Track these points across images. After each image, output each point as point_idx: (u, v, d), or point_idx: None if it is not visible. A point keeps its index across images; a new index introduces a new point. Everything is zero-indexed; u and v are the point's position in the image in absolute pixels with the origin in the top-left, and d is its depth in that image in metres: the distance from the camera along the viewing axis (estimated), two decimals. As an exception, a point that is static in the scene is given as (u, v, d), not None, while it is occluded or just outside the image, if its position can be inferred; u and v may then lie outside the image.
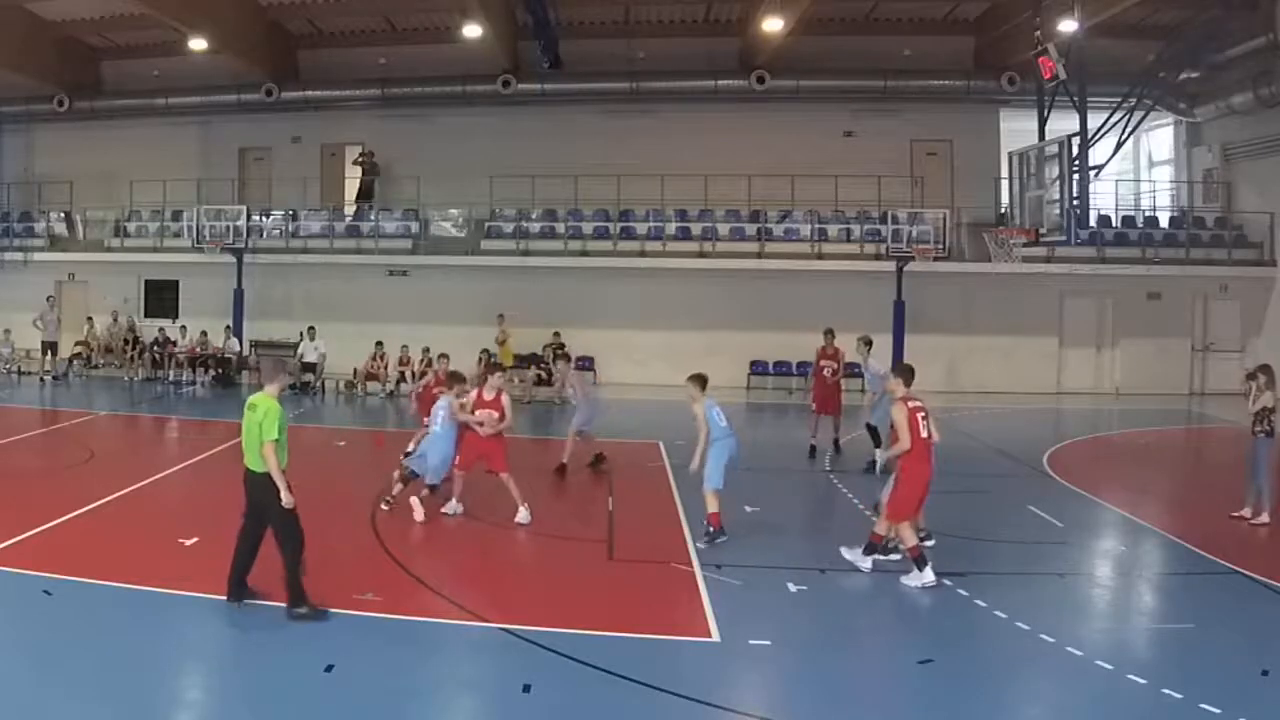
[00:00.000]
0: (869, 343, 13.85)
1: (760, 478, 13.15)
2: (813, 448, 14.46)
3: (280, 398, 7.58)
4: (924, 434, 8.65)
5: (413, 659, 6.76)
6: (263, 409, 7.37)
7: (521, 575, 9.09)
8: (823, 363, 14.76)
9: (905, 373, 9.09)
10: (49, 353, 22.38)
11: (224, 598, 7.57)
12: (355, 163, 25.38)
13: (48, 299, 23.18)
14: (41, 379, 21.94)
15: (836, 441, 14.53)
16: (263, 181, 25.89)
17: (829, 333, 15.07)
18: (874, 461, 13.01)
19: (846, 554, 9.03)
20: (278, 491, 7.30)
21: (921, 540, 8.88)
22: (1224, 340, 22.90)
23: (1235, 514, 10.84)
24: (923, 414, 8.71)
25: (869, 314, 21.22)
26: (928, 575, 8.43)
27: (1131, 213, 24.52)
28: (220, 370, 22.18)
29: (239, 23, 22.54)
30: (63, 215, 25.92)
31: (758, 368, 23.04)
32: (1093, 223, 20.86)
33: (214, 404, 20.24)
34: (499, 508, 10.98)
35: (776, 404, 21.45)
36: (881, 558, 8.99)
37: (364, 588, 7.95)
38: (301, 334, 21.90)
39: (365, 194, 25.25)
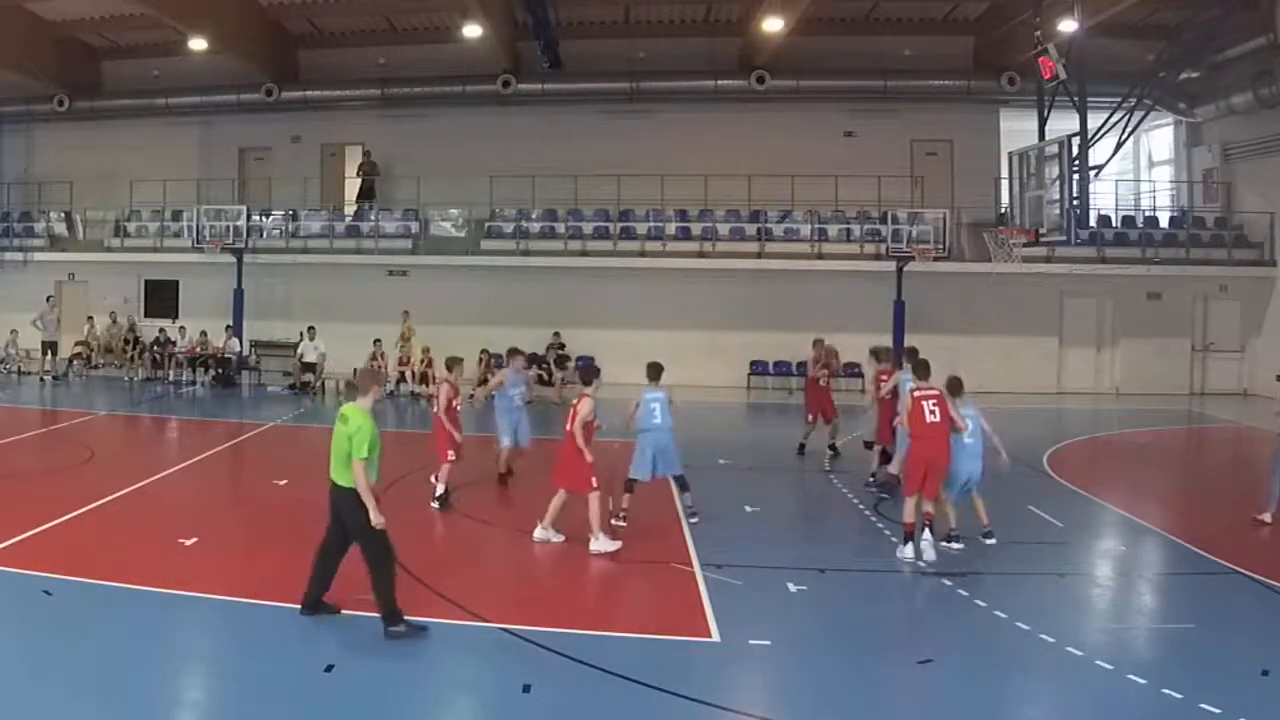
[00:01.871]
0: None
1: (760, 478, 13.17)
2: (801, 445, 14.48)
3: (375, 410, 7.29)
4: (928, 419, 9.30)
5: (413, 659, 6.75)
6: (354, 423, 7.04)
7: (521, 575, 9.09)
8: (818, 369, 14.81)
9: (917, 366, 9.99)
10: (49, 353, 22.39)
11: (230, 598, 7.57)
12: (357, 174, 25.39)
13: (48, 299, 23.20)
14: (42, 379, 21.93)
15: (833, 445, 14.55)
16: (263, 181, 25.87)
17: (818, 342, 15.07)
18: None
19: (901, 553, 9.27)
20: (366, 510, 7.00)
21: (951, 539, 9.56)
22: (1224, 340, 22.91)
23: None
24: (932, 401, 9.35)
25: (869, 314, 21.27)
26: (907, 551, 9.14)
27: (1131, 213, 24.51)
28: (220, 370, 22.18)
29: (239, 23, 22.55)
30: (63, 215, 25.92)
31: (758, 368, 23.03)
32: (1093, 223, 20.87)
33: (214, 404, 20.26)
34: (500, 509, 10.99)
35: (777, 404, 21.44)
36: (942, 543, 9.43)
37: (364, 588, 7.93)
38: (301, 334, 21.89)
39: (366, 194, 25.27)
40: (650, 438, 10.21)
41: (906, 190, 23.62)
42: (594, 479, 9.31)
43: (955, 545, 9.52)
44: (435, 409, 11.27)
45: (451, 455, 10.79)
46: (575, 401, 9.68)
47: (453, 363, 11.55)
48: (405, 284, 23.78)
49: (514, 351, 12.59)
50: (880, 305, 21.81)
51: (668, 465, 10.28)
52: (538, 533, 9.55)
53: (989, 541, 9.68)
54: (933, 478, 9.26)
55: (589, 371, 10.42)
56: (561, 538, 9.49)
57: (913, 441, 9.56)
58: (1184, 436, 18.96)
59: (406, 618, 7.06)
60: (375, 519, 6.97)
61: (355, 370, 21.27)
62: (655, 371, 10.54)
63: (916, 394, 9.50)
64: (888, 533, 10.17)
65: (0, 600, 7.67)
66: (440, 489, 10.84)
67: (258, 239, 24.11)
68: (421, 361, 20.86)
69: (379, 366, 21.17)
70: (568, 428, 9.54)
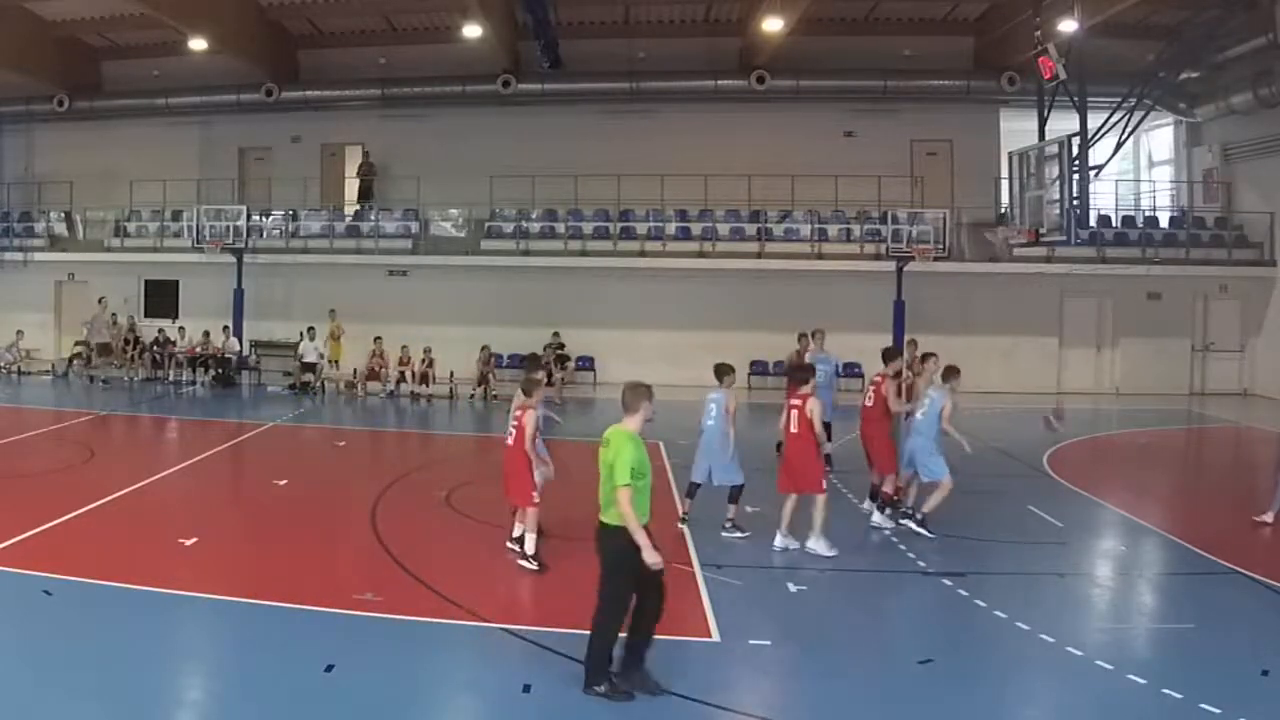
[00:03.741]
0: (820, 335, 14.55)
1: (761, 478, 13.15)
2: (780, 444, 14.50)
3: (642, 431, 6.41)
4: (866, 402, 10.70)
5: (413, 659, 6.75)
6: (615, 446, 6.21)
7: (522, 575, 9.07)
8: None
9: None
10: (102, 354, 22.36)
11: (230, 598, 7.51)
12: (357, 174, 25.45)
13: (99, 300, 23.15)
14: (94, 379, 21.90)
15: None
16: (263, 181, 25.87)
17: (803, 337, 15.18)
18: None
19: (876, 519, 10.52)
20: (619, 547, 6.09)
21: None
22: (1224, 340, 22.92)
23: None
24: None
25: (869, 314, 21.27)
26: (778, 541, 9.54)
27: (1131, 213, 24.52)
28: (220, 370, 22.18)
29: (239, 23, 22.54)
30: (63, 215, 25.94)
31: (758, 368, 23.01)
32: (1093, 223, 20.87)
33: (214, 404, 20.27)
34: (501, 510, 10.95)
35: (777, 404, 21.35)
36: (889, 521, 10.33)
37: (364, 588, 7.95)
38: (301, 334, 21.89)
39: (364, 194, 25.32)
40: (702, 439, 10.18)
41: (906, 190, 23.63)
42: (824, 482, 9.41)
43: (907, 523, 10.17)
44: (506, 435, 9.18)
45: (536, 498, 8.88)
46: (799, 403, 9.49)
47: (532, 386, 9.17)
48: (405, 284, 23.80)
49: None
50: (880, 305, 21.81)
51: (722, 472, 10.02)
52: (778, 541, 9.43)
53: (904, 521, 10.14)
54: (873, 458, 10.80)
55: (806, 369, 10.16)
56: (798, 544, 9.39)
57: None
58: (1184, 437, 18.95)
59: (612, 681, 6.16)
60: (649, 558, 6.01)
61: (354, 370, 21.46)
62: (719, 373, 10.43)
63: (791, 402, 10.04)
64: (887, 532, 10.18)
65: (0, 600, 7.68)
66: (530, 542, 8.81)
67: (258, 239, 24.11)
68: (422, 361, 20.88)
69: (379, 366, 21.21)
70: (793, 430, 9.47)
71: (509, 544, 9.14)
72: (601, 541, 6.25)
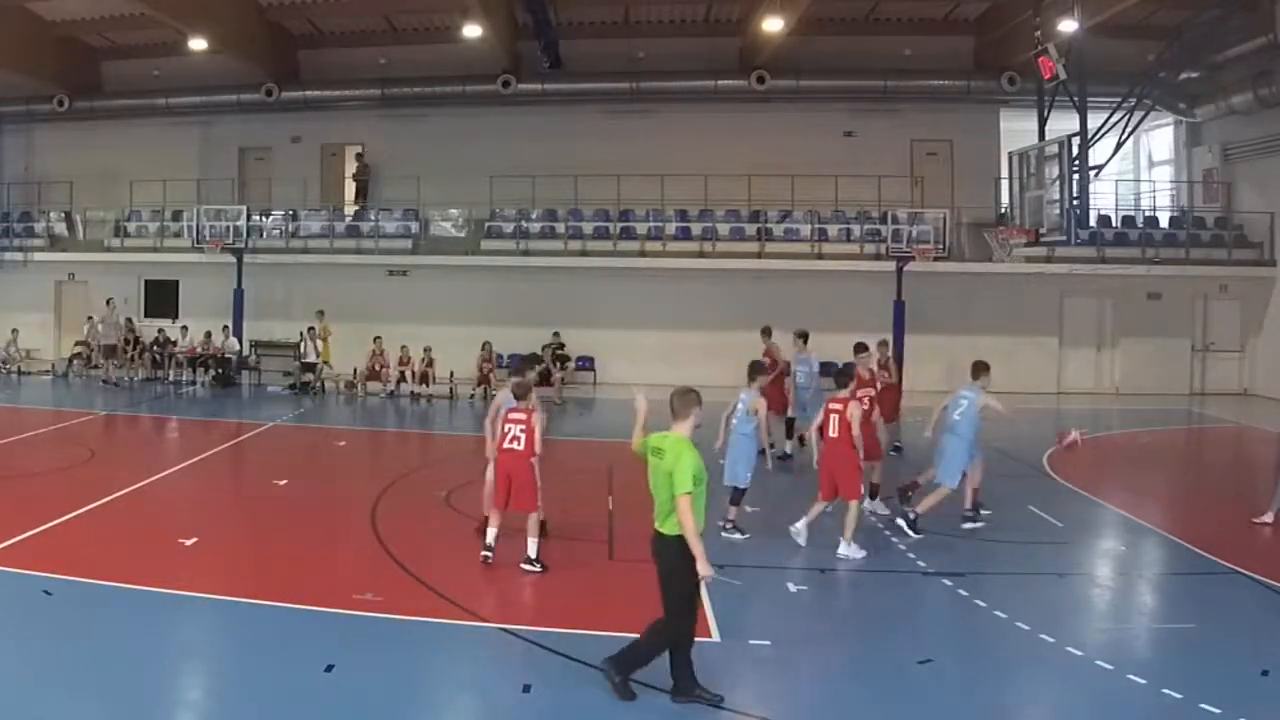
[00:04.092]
0: (804, 336, 14.46)
1: (760, 478, 13.15)
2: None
3: (693, 437, 6.23)
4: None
5: (413, 659, 6.75)
6: (672, 455, 6.01)
7: (521, 575, 9.08)
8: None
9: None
10: (109, 356, 22.33)
11: (230, 598, 7.53)
12: (354, 177, 25.47)
13: (108, 301, 23.06)
14: (106, 382, 21.84)
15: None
16: (263, 181, 25.88)
17: (766, 331, 15.11)
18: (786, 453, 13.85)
19: (867, 505, 10.53)
20: (677, 555, 5.95)
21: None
22: (1224, 340, 22.92)
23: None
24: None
25: (869, 314, 21.21)
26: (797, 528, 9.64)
27: (1131, 213, 24.51)
28: (220, 370, 22.18)
29: (239, 23, 22.54)
30: (63, 215, 25.94)
31: (759, 367, 22.96)
32: (1093, 223, 20.86)
33: (214, 404, 20.27)
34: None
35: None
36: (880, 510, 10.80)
37: (364, 588, 7.95)
38: (301, 334, 21.89)
39: (360, 193, 25.37)
40: (731, 437, 10.16)
41: (906, 190, 23.64)
42: (862, 487, 9.50)
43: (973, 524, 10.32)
44: (504, 441, 8.84)
45: (540, 501, 8.89)
46: (839, 408, 9.47)
47: (526, 389, 8.98)
48: (405, 284, 23.80)
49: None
50: (880, 305, 21.79)
51: (729, 474, 9.97)
52: (799, 524, 9.56)
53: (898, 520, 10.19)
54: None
55: (846, 375, 10.11)
56: (804, 542, 9.47)
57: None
58: (1184, 436, 18.96)
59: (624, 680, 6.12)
60: (703, 569, 5.89)
61: (354, 370, 21.45)
62: (749, 371, 10.56)
63: (830, 407, 10.04)
64: (887, 533, 10.18)
65: (0, 600, 7.68)
66: (533, 545, 8.74)
67: (258, 239, 24.09)
68: (422, 361, 20.88)
69: (379, 366, 21.19)
70: (832, 434, 9.46)
71: (485, 554, 8.83)
72: (660, 552, 6.08)
